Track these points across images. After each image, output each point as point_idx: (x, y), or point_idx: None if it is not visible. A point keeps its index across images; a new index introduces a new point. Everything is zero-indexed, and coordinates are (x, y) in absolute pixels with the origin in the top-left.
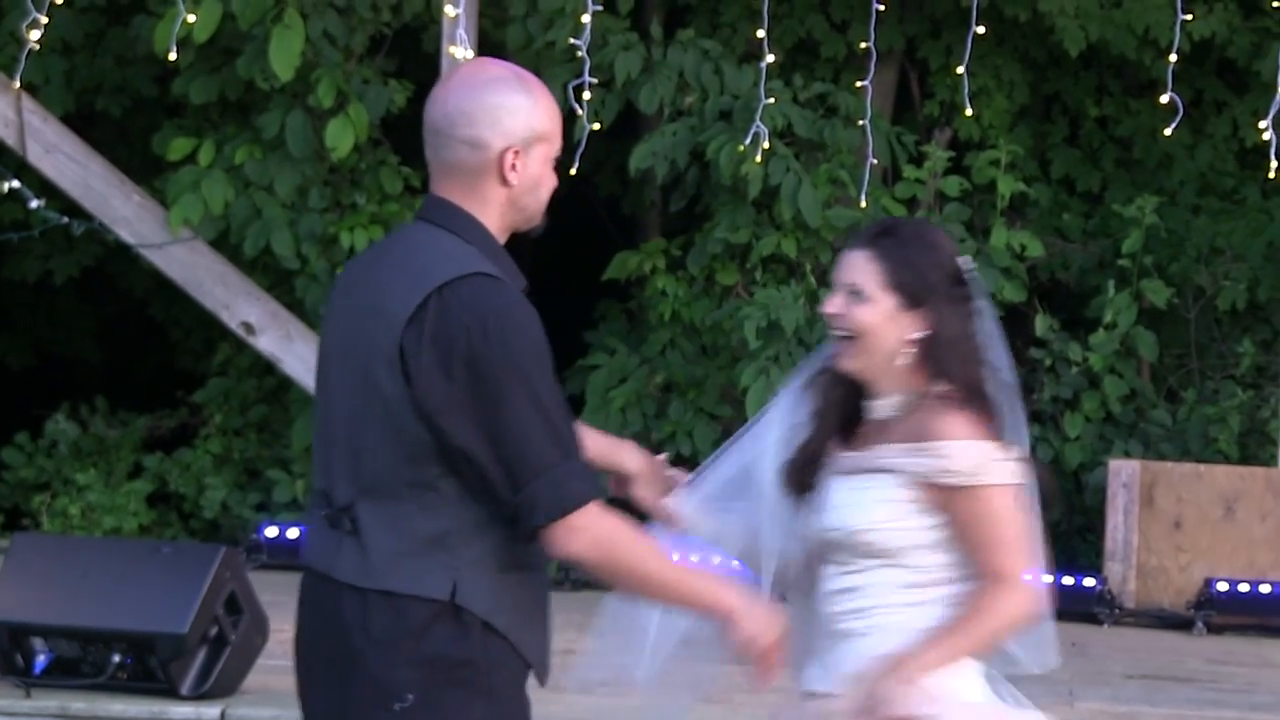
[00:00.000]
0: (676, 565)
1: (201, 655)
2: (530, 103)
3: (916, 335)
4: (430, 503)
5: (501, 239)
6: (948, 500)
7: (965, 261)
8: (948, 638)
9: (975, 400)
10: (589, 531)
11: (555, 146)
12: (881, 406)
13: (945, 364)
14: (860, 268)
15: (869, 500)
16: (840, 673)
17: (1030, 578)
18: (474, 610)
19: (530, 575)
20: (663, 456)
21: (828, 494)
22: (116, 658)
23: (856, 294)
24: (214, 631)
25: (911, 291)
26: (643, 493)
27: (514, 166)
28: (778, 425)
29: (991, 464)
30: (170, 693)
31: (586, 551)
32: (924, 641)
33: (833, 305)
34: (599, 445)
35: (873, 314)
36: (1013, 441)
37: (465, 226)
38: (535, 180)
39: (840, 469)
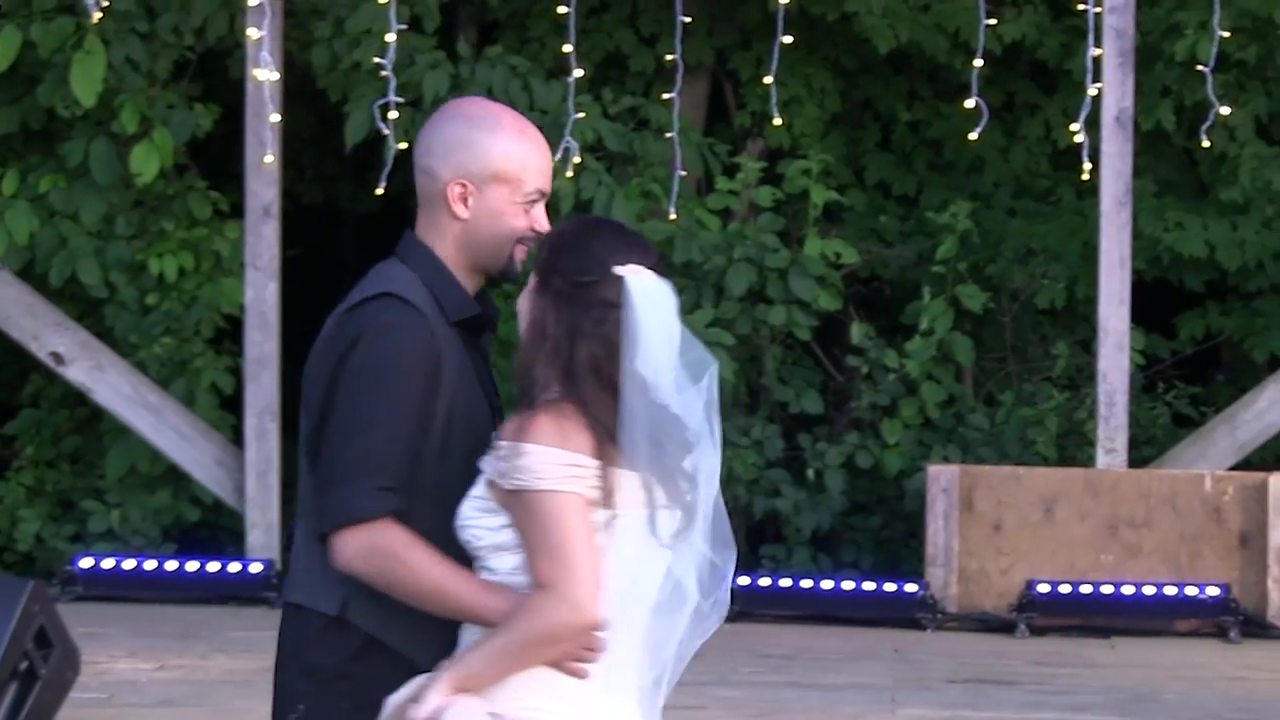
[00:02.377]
0: (454, 581)
1: (12, 691)
2: (491, 141)
3: (523, 324)
4: None
5: (465, 276)
6: (508, 502)
7: (629, 269)
8: (485, 649)
9: (573, 407)
10: (360, 547)
11: (522, 192)
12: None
13: (547, 363)
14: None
15: (467, 495)
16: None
17: (586, 593)
18: (361, 626)
19: None
20: None
21: None
22: None
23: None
24: (24, 666)
25: (540, 280)
26: None
27: (463, 200)
28: None
29: (553, 471)
30: None
31: (357, 565)
32: (469, 652)
33: None
34: None
35: (522, 299)
36: (639, 463)
37: (416, 255)
38: (492, 219)
39: None
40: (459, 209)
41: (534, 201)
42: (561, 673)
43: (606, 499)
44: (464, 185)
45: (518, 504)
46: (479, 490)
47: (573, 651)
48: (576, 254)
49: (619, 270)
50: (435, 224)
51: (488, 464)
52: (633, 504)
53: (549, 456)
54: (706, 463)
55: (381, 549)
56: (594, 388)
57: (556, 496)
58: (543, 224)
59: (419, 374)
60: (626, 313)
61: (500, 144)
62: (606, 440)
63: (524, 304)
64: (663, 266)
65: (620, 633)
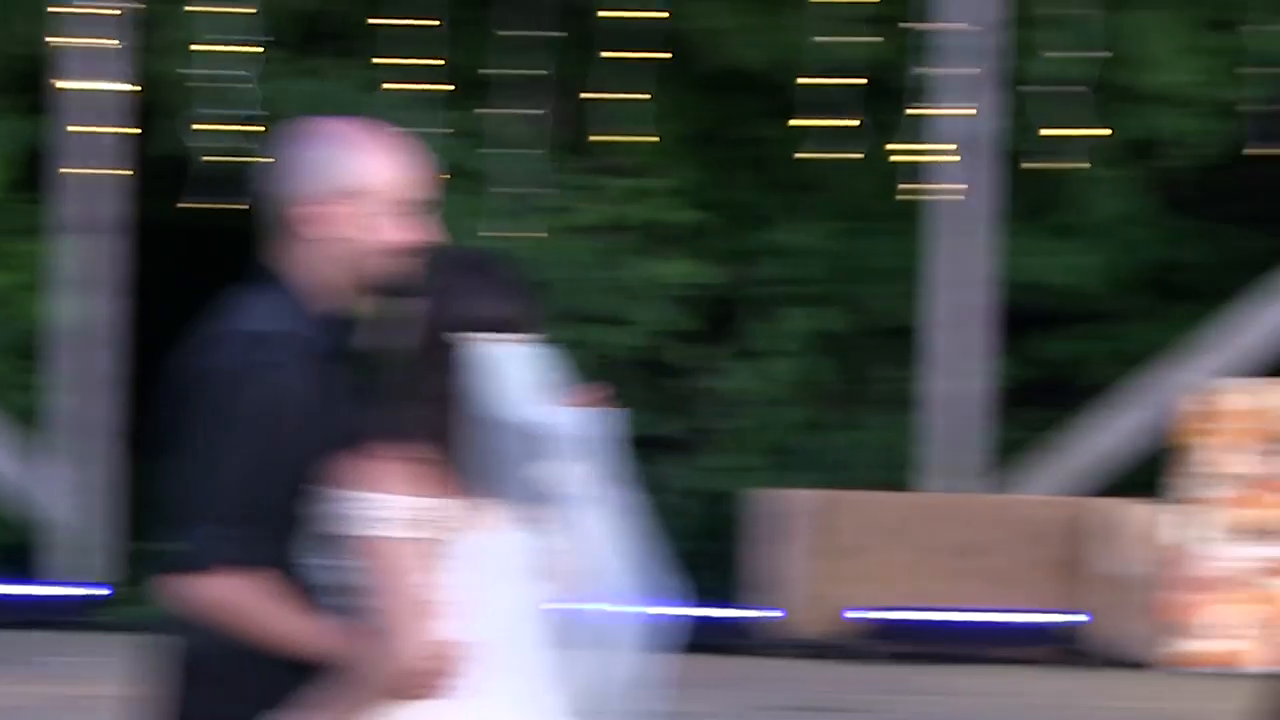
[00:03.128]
0: (291, 625)
1: None
2: (333, 160)
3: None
4: None
5: (328, 295)
6: (350, 545)
7: (470, 337)
8: (323, 695)
9: (408, 444)
10: (194, 592)
11: (374, 206)
12: None
13: (384, 399)
14: None
15: (313, 534)
16: None
17: (416, 630)
18: (232, 667)
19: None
20: None
21: None
22: None
23: None
24: None
25: (387, 317)
26: None
27: (308, 221)
28: None
29: (377, 514)
30: None
31: (201, 609)
32: (309, 699)
33: None
34: None
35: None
36: (487, 491)
37: (268, 281)
38: (343, 239)
39: None
40: (305, 231)
41: (394, 214)
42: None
43: (448, 532)
44: (308, 207)
45: (352, 547)
46: (328, 529)
47: (425, 679)
48: (429, 299)
49: (458, 313)
50: (285, 248)
51: (325, 505)
52: (483, 533)
53: (376, 501)
54: (582, 493)
55: (228, 598)
56: (439, 427)
57: (384, 542)
58: (408, 235)
59: (268, 415)
60: (463, 359)
61: (342, 161)
62: (452, 477)
63: (372, 338)
64: (527, 295)
65: (493, 657)
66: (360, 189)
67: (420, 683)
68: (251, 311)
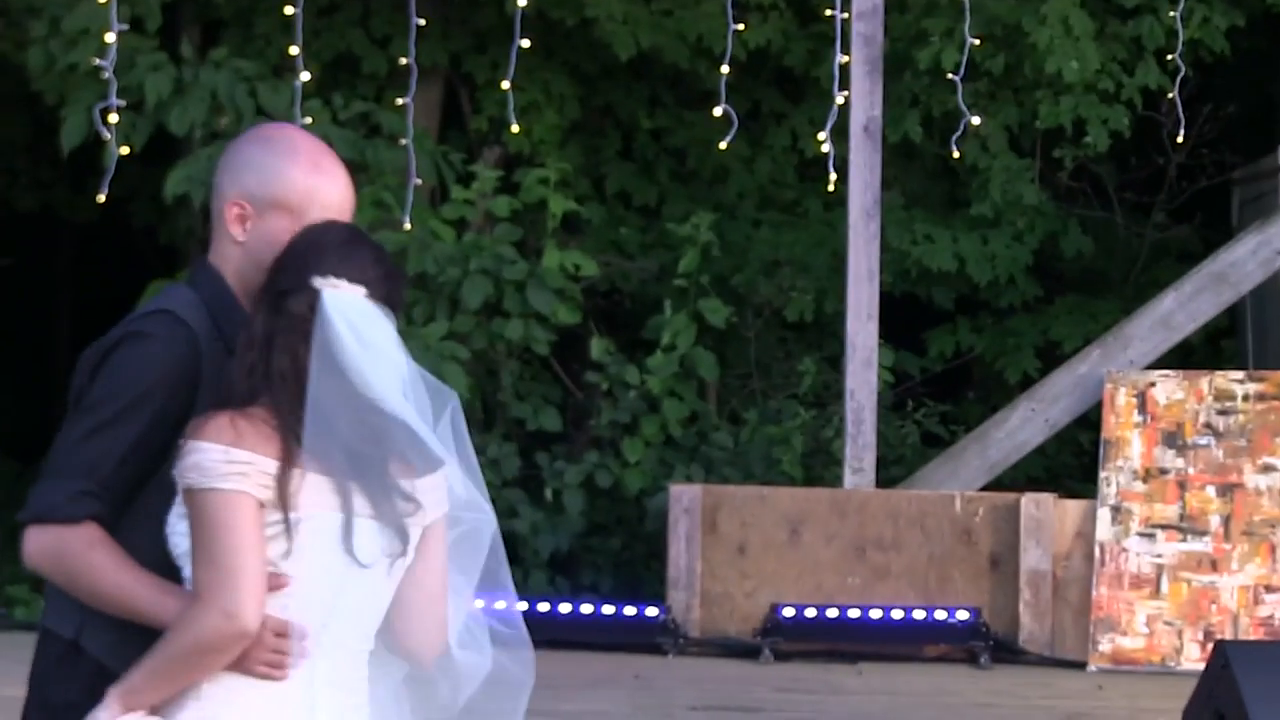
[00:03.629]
0: (136, 585)
1: None
2: (280, 166)
3: None
4: None
5: (249, 296)
6: (186, 503)
7: (327, 283)
8: (146, 662)
9: (264, 411)
10: (44, 544)
11: (304, 223)
12: None
13: (244, 367)
14: None
15: (173, 502)
16: None
17: (244, 599)
18: (91, 652)
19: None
20: None
21: None
22: None
23: None
24: None
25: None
26: None
27: (240, 222)
28: None
29: (217, 468)
30: None
31: (39, 562)
32: (134, 666)
33: None
34: None
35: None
36: (334, 469)
37: (201, 277)
38: (270, 247)
39: None
40: (235, 230)
41: None
42: (254, 680)
43: (284, 501)
44: (242, 206)
45: (189, 504)
46: (178, 496)
47: (261, 658)
48: (285, 263)
49: (317, 283)
50: (219, 246)
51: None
52: (321, 509)
53: (214, 454)
54: (444, 493)
55: (62, 549)
56: (288, 393)
57: (217, 495)
58: None
59: (164, 388)
60: (319, 327)
61: (288, 171)
62: (295, 444)
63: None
64: (395, 279)
65: (327, 646)
66: (292, 202)
67: (273, 652)
68: (178, 300)
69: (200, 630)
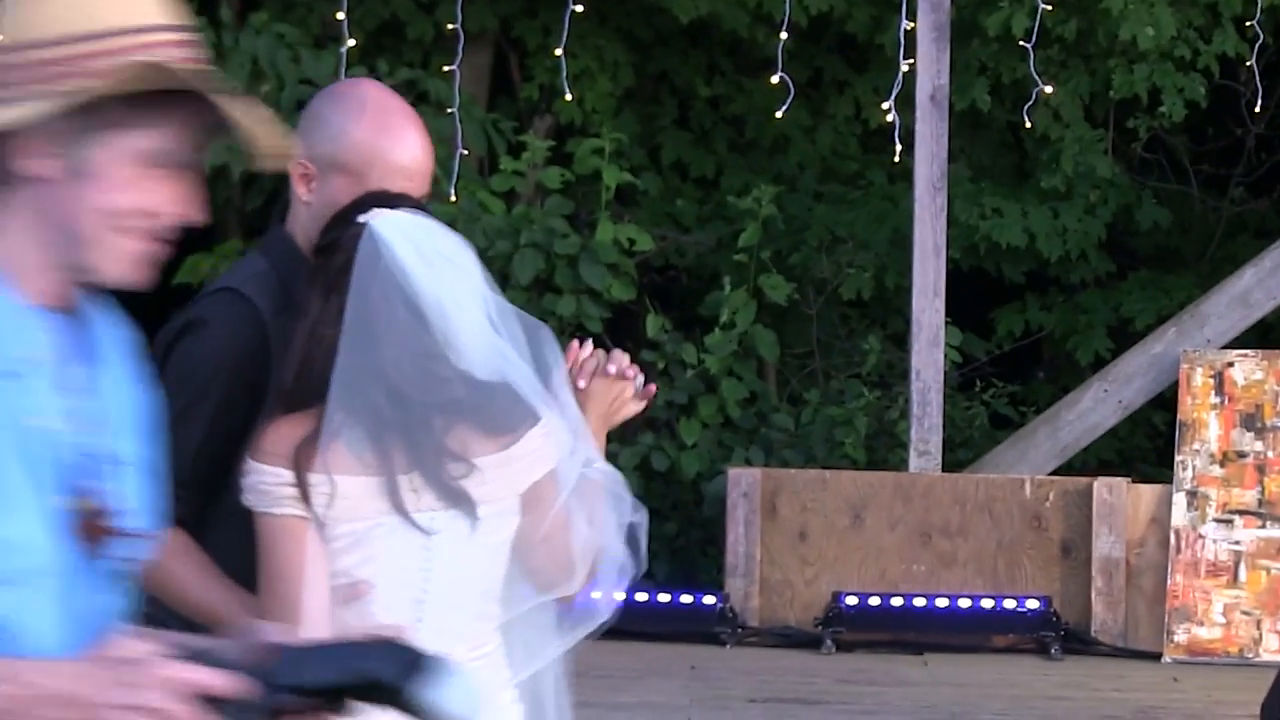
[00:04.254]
0: (211, 602)
1: None
2: (342, 125)
3: None
4: None
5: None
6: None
7: (375, 214)
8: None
9: (308, 413)
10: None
11: (365, 189)
12: None
13: (287, 360)
14: None
15: None
16: None
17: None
18: None
19: None
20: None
21: None
22: None
23: None
24: None
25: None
26: None
27: (305, 181)
28: None
29: (266, 490)
30: None
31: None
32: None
33: None
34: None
35: None
36: (370, 466)
37: (272, 244)
38: (332, 206)
39: None
40: (301, 190)
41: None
42: None
43: (331, 512)
44: (306, 166)
45: (255, 524)
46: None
47: None
48: (329, 223)
49: (363, 218)
50: (292, 208)
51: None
52: (371, 515)
53: (267, 476)
54: (543, 450)
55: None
56: (295, 375)
57: (271, 520)
58: None
59: (227, 375)
60: (364, 255)
61: (350, 129)
62: (339, 439)
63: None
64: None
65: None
66: (352, 163)
67: None
68: (245, 273)
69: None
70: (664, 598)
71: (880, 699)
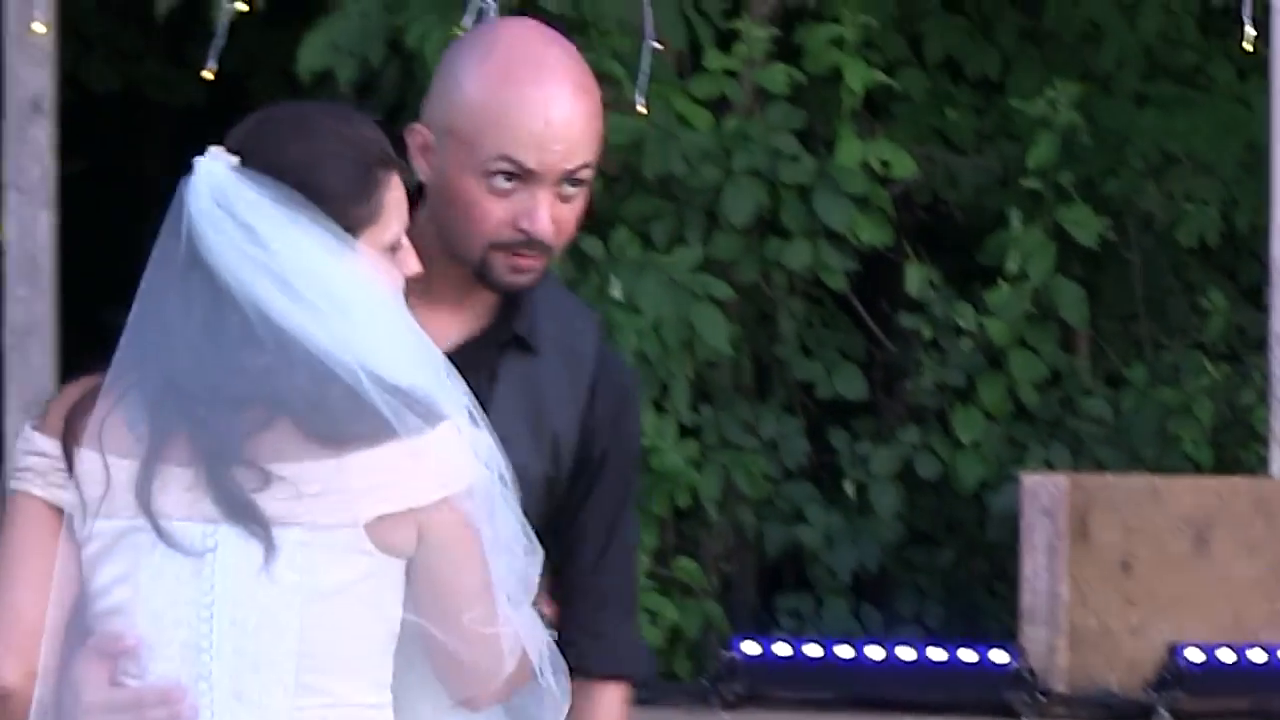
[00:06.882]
0: None
1: None
2: (459, 78)
3: None
4: None
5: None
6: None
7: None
8: None
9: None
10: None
11: (479, 158)
12: None
13: None
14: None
15: None
16: None
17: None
18: None
19: None
20: None
21: None
22: None
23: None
24: None
25: None
26: None
27: (422, 153)
28: None
29: (18, 460)
30: None
31: None
32: None
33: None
34: None
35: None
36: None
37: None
38: (448, 186)
39: None
40: (419, 164)
41: (508, 176)
42: None
43: (83, 500)
44: (423, 134)
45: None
46: None
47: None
48: None
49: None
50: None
51: None
52: (123, 513)
53: (29, 445)
54: (405, 475)
55: None
56: None
57: (11, 498)
58: (534, 221)
59: None
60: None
61: (466, 83)
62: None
63: None
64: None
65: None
66: (462, 127)
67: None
68: None
69: None
70: (937, 654)
71: None
